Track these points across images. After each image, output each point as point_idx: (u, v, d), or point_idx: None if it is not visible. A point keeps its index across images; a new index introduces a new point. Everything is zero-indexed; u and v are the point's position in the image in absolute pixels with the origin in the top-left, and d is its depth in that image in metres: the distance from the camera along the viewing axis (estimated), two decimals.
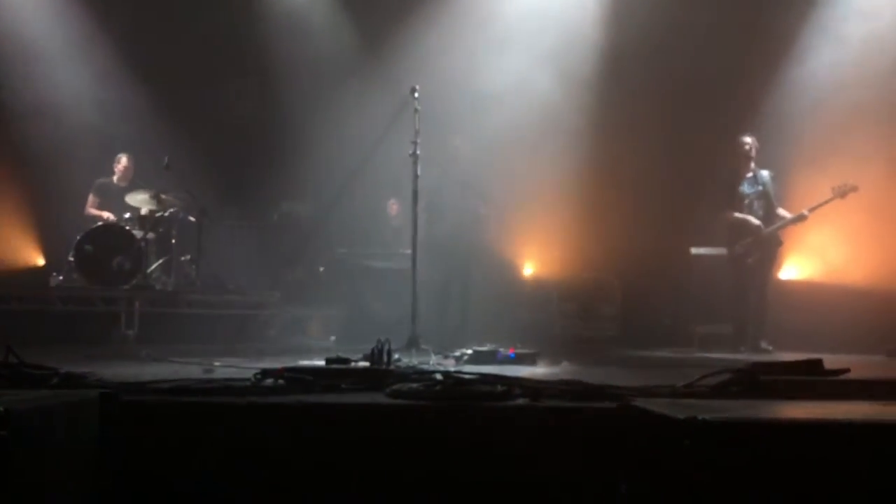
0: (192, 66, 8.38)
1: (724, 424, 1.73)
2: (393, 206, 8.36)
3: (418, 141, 4.92)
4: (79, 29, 8.38)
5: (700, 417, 1.75)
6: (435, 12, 8.00)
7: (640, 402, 2.21)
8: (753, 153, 7.11)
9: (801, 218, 6.97)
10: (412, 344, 4.82)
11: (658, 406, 2.13)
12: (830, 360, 5.71)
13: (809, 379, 2.66)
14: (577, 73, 8.04)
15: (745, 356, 6.40)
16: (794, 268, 8.10)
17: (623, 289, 8.37)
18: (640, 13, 7.99)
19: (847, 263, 7.61)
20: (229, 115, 8.41)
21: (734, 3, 8.20)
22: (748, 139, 7.13)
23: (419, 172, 4.98)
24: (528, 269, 8.57)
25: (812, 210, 6.93)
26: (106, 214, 7.72)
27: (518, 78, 7.80)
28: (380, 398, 2.65)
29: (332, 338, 7.82)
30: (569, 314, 8.35)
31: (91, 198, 7.92)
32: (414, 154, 4.94)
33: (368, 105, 7.73)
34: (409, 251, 5.83)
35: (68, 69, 8.39)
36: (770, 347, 6.87)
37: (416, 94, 4.99)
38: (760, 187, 7.13)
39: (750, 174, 7.16)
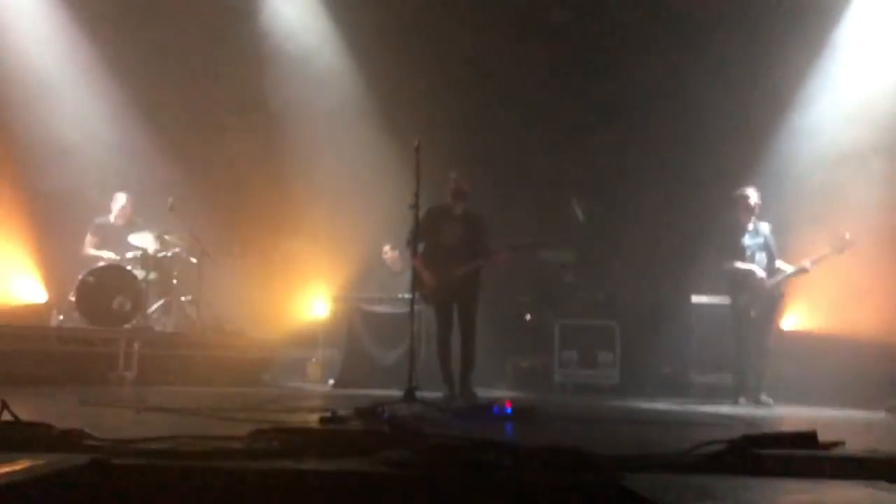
0: (197, 107, 8.48)
1: None
2: (388, 253, 8.39)
3: (418, 193, 4.97)
4: (86, 69, 8.53)
5: None
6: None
7: (630, 482, 2.20)
8: (756, 206, 7.14)
9: (802, 270, 6.98)
10: (409, 396, 4.80)
11: (647, 487, 2.12)
12: (831, 417, 5.74)
13: (803, 454, 2.64)
14: (579, 124, 8.14)
15: (744, 409, 6.38)
16: (796, 318, 8.10)
17: (623, 336, 8.36)
18: (644, 63, 8.10)
19: (850, 315, 7.59)
20: (232, 157, 8.49)
21: (736, 57, 8.29)
22: (751, 192, 7.16)
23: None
24: (528, 315, 8.56)
25: (814, 263, 6.94)
26: (105, 254, 7.75)
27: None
28: (370, 465, 2.64)
29: (330, 381, 7.82)
30: (568, 361, 8.32)
31: (89, 237, 7.95)
32: (415, 206, 5.02)
33: (369, 150, 7.83)
34: (408, 296, 5.85)
35: (75, 108, 8.53)
36: (770, 401, 6.84)
37: (419, 149, 5.04)
38: (761, 239, 7.16)
39: (751, 226, 7.18)
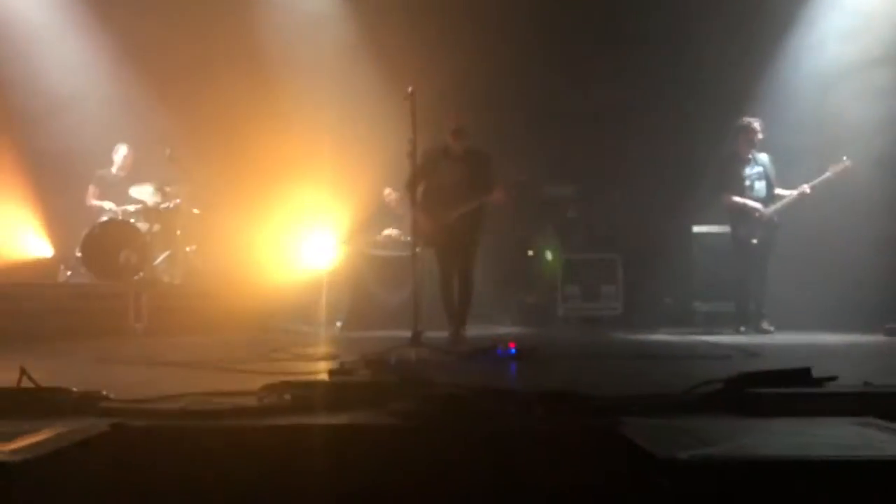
0: (192, 58, 8.38)
1: (702, 465, 1.82)
2: (391, 195, 8.40)
3: (415, 140, 4.95)
4: (78, 22, 8.41)
5: (677, 457, 1.83)
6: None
7: (626, 429, 2.29)
8: (757, 137, 7.10)
9: (802, 194, 6.99)
10: (415, 339, 4.90)
11: (645, 432, 2.21)
12: (829, 344, 5.85)
13: (796, 393, 2.73)
14: (576, 57, 8.04)
15: (746, 338, 6.51)
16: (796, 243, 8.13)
17: (625, 268, 8.44)
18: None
19: (846, 239, 7.62)
20: (229, 105, 8.42)
21: None
22: (756, 123, 7.11)
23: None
24: (531, 251, 8.63)
25: (812, 186, 6.96)
26: (107, 204, 7.81)
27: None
28: (380, 417, 2.74)
29: (338, 324, 7.96)
30: (572, 295, 8.43)
31: (91, 188, 8.01)
32: (412, 153, 5.01)
33: (367, 94, 7.76)
34: (409, 239, 5.89)
35: (69, 62, 8.44)
36: (771, 328, 6.97)
37: (413, 95, 4.99)
38: (760, 168, 7.17)
39: (749, 156, 7.17)
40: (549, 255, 8.58)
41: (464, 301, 6.25)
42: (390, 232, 8.33)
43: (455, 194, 6.11)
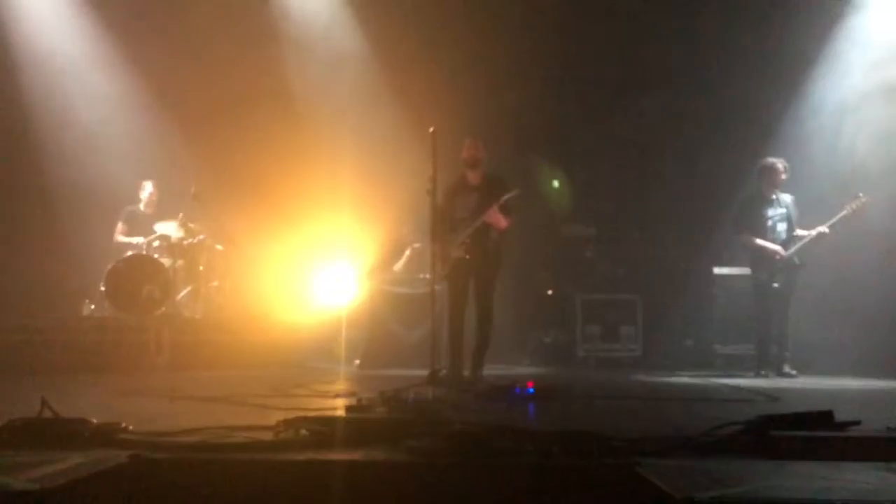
0: (216, 95, 8.55)
1: None
2: (406, 233, 8.41)
3: (436, 178, 5.00)
4: (106, 60, 8.65)
5: (696, 498, 1.81)
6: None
7: (644, 469, 2.27)
8: (781, 178, 7.09)
9: (820, 236, 6.93)
10: (433, 377, 4.89)
11: (663, 472, 2.19)
12: (851, 388, 5.76)
13: (817, 436, 2.69)
14: (597, 97, 8.12)
15: (766, 382, 6.42)
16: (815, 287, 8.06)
17: (645, 309, 8.39)
18: (661, 39, 8.04)
19: (867, 280, 7.54)
20: (253, 143, 8.57)
21: (755, 25, 8.20)
22: (780, 164, 7.11)
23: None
24: (550, 291, 8.62)
25: (830, 226, 6.90)
26: (136, 240, 7.93)
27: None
28: (396, 453, 2.73)
29: (356, 362, 7.95)
30: (591, 336, 8.39)
31: (120, 225, 8.14)
32: (433, 192, 5.03)
33: (389, 132, 7.87)
34: (428, 276, 5.88)
35: (97, 98, 8.64)
36: (794, 372, 6.87)
37: (434, 135, 5.05)
38: (784, 210, 7.13)
39: (773, 197, 7.15)
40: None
41: (482, 338, 6.00)
42: (399, 264, 8.33)
43: (468, 224, 5.90)
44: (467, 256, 5.82)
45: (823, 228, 6.92)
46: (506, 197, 5.70)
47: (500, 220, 5.79)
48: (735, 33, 8.13)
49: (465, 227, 5.87)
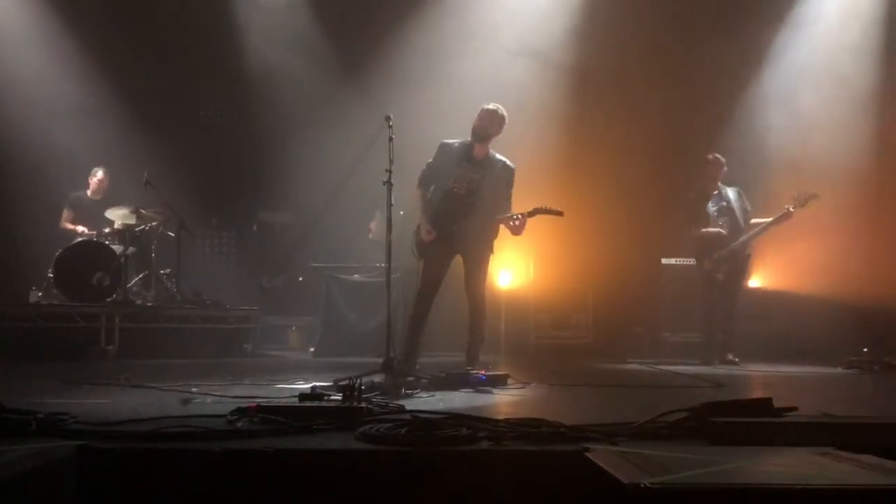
0: (171, 79, 8.41)
1: (666, 492, 1.87)
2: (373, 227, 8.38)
3: (392, 169, 4.94)
4: (56, 41, 8.40)
5: (643, 484, 1.88)
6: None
7: (593, 454, 2.34)
8: (723, 170, 7.28)
9: (776, 221, 7.04)
10: (387, 366, 4.91)
11: (611, 458, 2.26)
12: (791, 375, 5.96)
13: (756, 422, 2.80)
14: (549, 92, 8.18)
15: (711, 369, 6.60)
16: (762, 278, 8.33)
17: (595, 298, 8.55)
18: (611, 36, 8.14)
19: (812, 274, 7.81)
20: (207, 128, 8.45)
21: (702, 22, 8.36)
22: (718, 158, 7.30)
23: (393, 201, 4.97)
24: (504, 281, 8.70)
25: (778, 218, 7.05)
26: (80, 228, 7.77)
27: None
28: (349, 441, 2.75)
29: (311, 349, 7.94)
30: (543, 324, 8.51)
31: (66, 212, 7.95)
32: (388, 182, 4.96)
33: (349, 122, 7.82)
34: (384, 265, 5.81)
35: (45, 83, 8.39)
36: (737, 360, 7.07)
37: (391, 123, 4.99)
38: (724, 203, 7.31)
39: (715, 192, 7.34)
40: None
41: (476, 328, 5.50)
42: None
43: (463, 205, 5.35)
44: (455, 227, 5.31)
45: (768, 220, 7.10)
46: (542, 211, 5.25)
47: (522, 230, 5.30)
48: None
49: (462, 207, 5.32)
